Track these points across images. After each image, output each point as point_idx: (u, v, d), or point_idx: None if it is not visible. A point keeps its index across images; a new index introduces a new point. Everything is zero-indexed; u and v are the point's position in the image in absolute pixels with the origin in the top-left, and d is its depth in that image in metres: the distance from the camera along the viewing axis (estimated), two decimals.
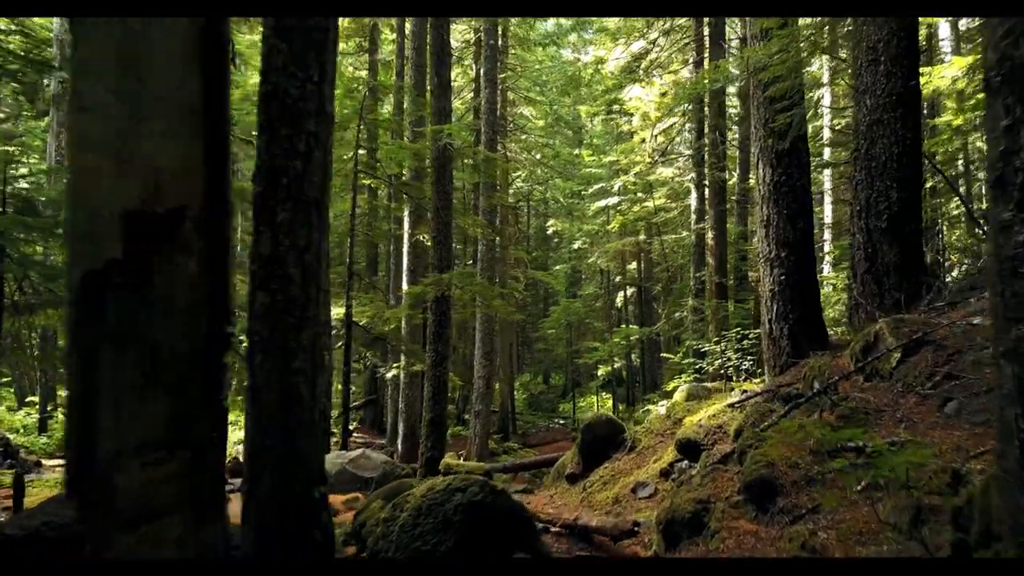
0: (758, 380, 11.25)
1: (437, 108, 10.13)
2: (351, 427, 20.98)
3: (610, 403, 29.31)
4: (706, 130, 15.55)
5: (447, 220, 9.95)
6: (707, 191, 15.60)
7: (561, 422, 30.21)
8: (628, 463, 6.53)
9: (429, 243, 13.21)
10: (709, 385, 11.80)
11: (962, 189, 16.30)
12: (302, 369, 3.28)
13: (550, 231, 36.10)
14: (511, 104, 25.28)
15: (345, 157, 12.26)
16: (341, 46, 22.84)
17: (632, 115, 22.52)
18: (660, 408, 13.62)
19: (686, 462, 5.09)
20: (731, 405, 5.44)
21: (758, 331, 12.43)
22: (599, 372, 29.77)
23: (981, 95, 10.52)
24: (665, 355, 24.20)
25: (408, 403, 13.99)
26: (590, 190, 28.03)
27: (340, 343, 13.00)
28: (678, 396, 11.93)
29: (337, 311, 12.41)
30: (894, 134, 7.72)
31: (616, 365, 29.82)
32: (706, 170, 15.33)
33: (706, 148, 15.30)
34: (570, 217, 28.06)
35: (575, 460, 7.33)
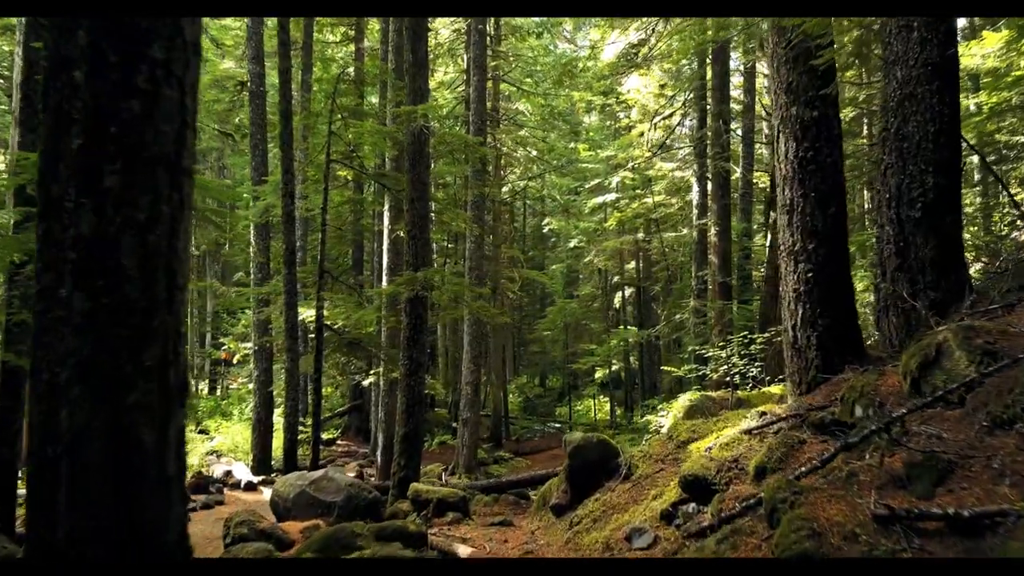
0: (774, 391, 10.24)
1: (413, 88, 9.12)
2: (334, 436, 19.96)
3: (608, 407, 28.32)
4: (709, 121, 14.53)
5: (423, 213, 8.94)
6: (710, 184, 14.59)
7: (557, 426, 29.22)
8: (623, 495, 5.51)
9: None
10: (714, 395, 10.80)
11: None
12: (145, 404, 2.26)
13: (546, 230, 35.14)
14: (505, 99, 24.27)
15: (319, 146, 11.27)
16: (327, 36, 21.86)
17: (631, 108, 21.56)
18: (661, 419, 12.64)
19: (693, 504, 4.08)
20: (748, 431, 4.42)
21: (766, 334, 11.44)
22: (596, 375, 28.78)
23: (1018, 73, 9.51)
24: (666, 368, 23.18)
25: (388, 413, 12.96)
26: (587, 186, 27.02)
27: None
28: (679, 405, 10.94)
29: (310, 313, 11.40)
30: (929, 110, 6.70)
31: (614, 367, 28.87)
32: (708, 162, 14.32)
33: (709, 138, 14.29)
34: (566, 215, 27.03)
35: (562, 487, 6.32)
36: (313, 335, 12.25)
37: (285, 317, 9.85)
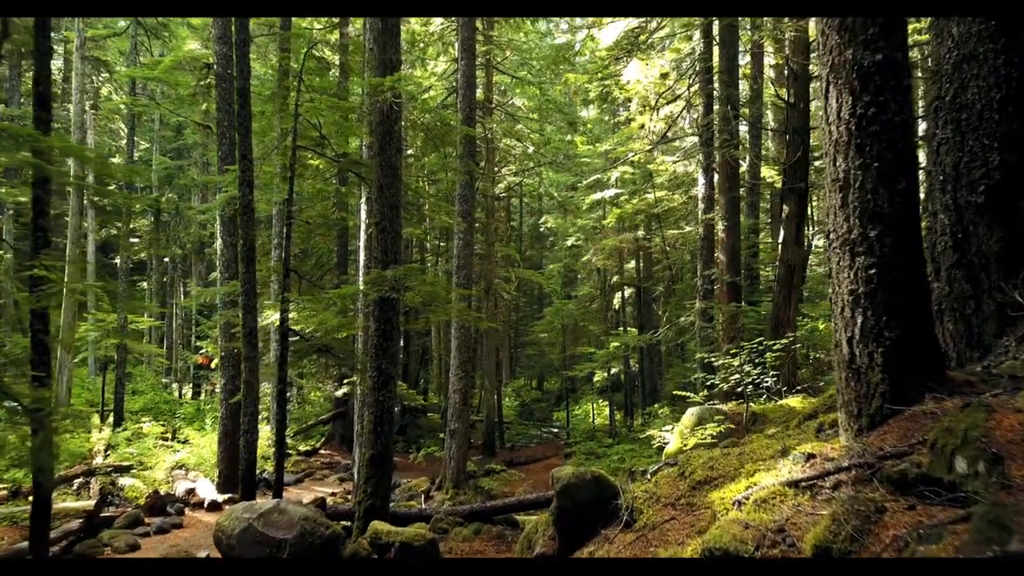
0: (794, 405, 9.10)
1: (382, 60, 7.97)
2: (316, 445, 18.78)
3: (607, 411, 27.16)
4: (716, 107, 13.38)
5: (394, 202, 7.78)
6: (716, 176, 13.44)
7: (556, 430, 28.08)
8: (624, 548, 4.37)
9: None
10: (724, 408, 9.64)
11: None
12: None
13: (544, 228, 34.04)
14: (500, 92, 23.09)
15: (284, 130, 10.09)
16: (312, 22, 20.66)
17: (630, 100, 20.40)
18: (665, 434, 11.48)
19: None
20: (794, 484, 3.27)
21: (783, 341, 10.28)
22: (595, 378, 27.60)
23: None
24: (669, 378, 22.10)
25: (365, 426, 11.79)
26: (584, 183, 25.86)
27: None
28: (686, 421, 9.80)
29: (274, 316, 10.25)
30: (993, 73, 5.57)
31: (613, 370, 27.71)
32: (716, 151, 13.16)
33: (716, 125, 13.14)
34: (563, 212, 25.88)
35: (549, 533, 5.17)
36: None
37: (242, 321, 8.70)
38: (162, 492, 12.39)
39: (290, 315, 10.69)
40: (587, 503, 4.87)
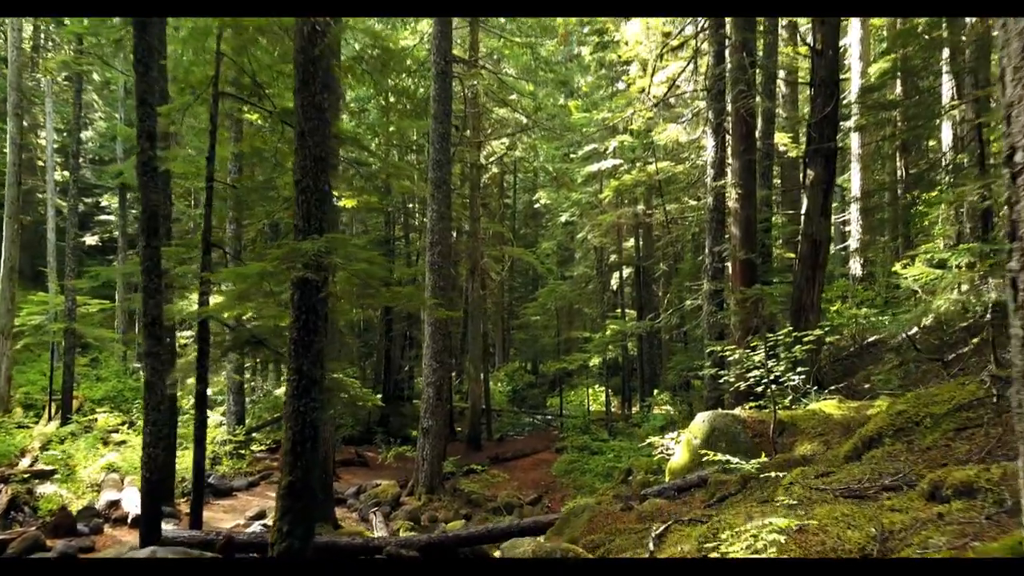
0: (828, 411, 7.30)
1: None
2: (273, 445, 17.00)
3: (603, 397, 25.46)
4: (728, 54, 11.45)
5: (319, 153, 5.94)
6: (729, 136, 11.56)
7: (549, 417, 26.42)
8: None
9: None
10: (743, 416, 7.86)
11: None
12: None
13: (538, 205, 32.16)
14: (492, 60, 21.02)
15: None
16: None
17: (628, 64, 18.44)
18: (669, 443, 9.72)
19: None
20: None
21: (816, 332, 8.49)
22: (592, 362, 25.85)
23: None
24: (662, 389, 20.40)
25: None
26: (580, 152, 23.92)
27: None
28: (695, 428, 8.04)
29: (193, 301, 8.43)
30: None
31: (610, 354, 25.98)
32: (729, 107, 11.28)
33: (728, 76, 11.24)
34: (557, 185, 23.94)
35: None
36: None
37: (143, 308, 6.93)
38: (84, 504, 10.67)
39: (218, 301, 8.90)
40: None
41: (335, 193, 9.31)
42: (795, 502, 3.47)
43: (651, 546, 3.56)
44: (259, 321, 9.17)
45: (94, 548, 9.07)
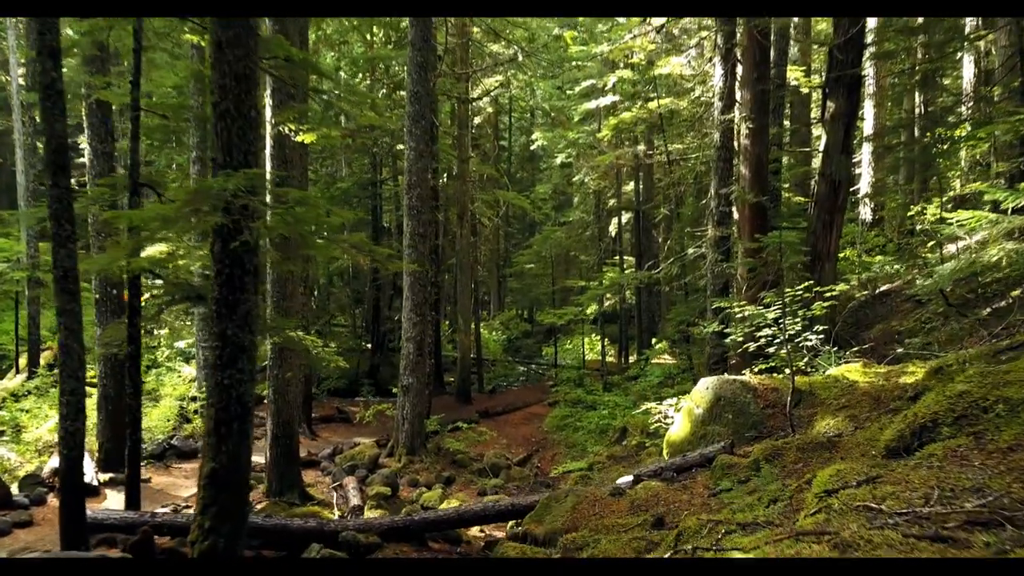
0: (852, 376, 6.30)
1: None
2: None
3: (599, 347, 24.61)
4: None
5: (242, 69, 4.78)
6: (739, 65, 10.28)
7: (544, 367, 25.64)
8: None
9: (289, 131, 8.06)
10: (752, 381, 6.88)
11: None
12: None
13: (535, 147, 30.70)
14: None
15: None
16: None
17: None
18: (668, 410, 8.78)
19: None
20: None
21: (839, 286, 7.44)
22: (588, 310, 24.89)
23: None
24: (660, 351, 19.38)
25: (277, 391, 9.12)
26: (577, 89, 22.41)
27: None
28: (697, 396, 7.08)
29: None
30: None
31: (608, 304, 25.01)
32: (739, 29, 9.97)
33: None
34: (552, 123, 22.54)
35: None
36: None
37: (53, 259, 5.87)
38: (31, 470, 9.84)
39: (153, 250, 7.85)
40: None
41: (291, 128, 8.15)
42: (837, 534, 2.47)
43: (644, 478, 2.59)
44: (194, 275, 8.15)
45: (31, 522, 8.24)
